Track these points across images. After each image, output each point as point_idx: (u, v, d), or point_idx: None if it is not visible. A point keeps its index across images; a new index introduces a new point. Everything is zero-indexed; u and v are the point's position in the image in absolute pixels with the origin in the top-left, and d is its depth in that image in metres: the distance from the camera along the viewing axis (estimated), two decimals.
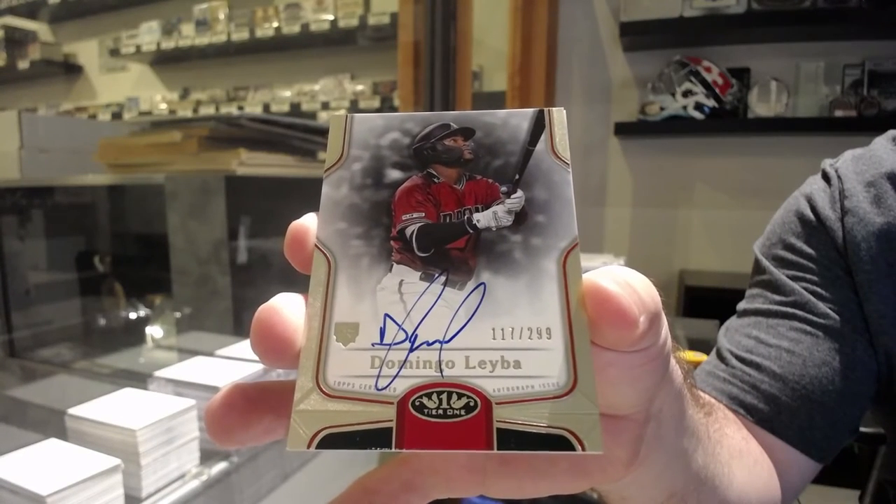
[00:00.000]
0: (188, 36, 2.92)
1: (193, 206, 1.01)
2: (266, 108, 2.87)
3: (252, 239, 1.02)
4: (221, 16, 2.84)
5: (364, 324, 0.17)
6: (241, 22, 2.80)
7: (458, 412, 0.16)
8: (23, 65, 3.38)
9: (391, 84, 2.62)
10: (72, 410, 0.63)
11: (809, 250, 0.48)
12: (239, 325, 1.00)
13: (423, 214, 0.19)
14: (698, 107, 1.89)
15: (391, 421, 0.16)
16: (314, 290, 0.18)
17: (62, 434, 0.62)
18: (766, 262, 0.51)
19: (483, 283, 0.18)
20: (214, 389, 0.67)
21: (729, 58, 1.93)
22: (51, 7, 3.30)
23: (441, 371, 0.17)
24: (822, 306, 0.46)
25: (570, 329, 0.17)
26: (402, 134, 0.20)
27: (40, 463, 0.55)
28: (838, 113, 1.80)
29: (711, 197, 2.06)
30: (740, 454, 0.39)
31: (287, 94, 2.90)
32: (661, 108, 1.94)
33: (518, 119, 0.21)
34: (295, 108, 2.81)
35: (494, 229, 0.19)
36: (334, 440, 0.16)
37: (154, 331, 1.15)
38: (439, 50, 1.61)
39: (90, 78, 3.55)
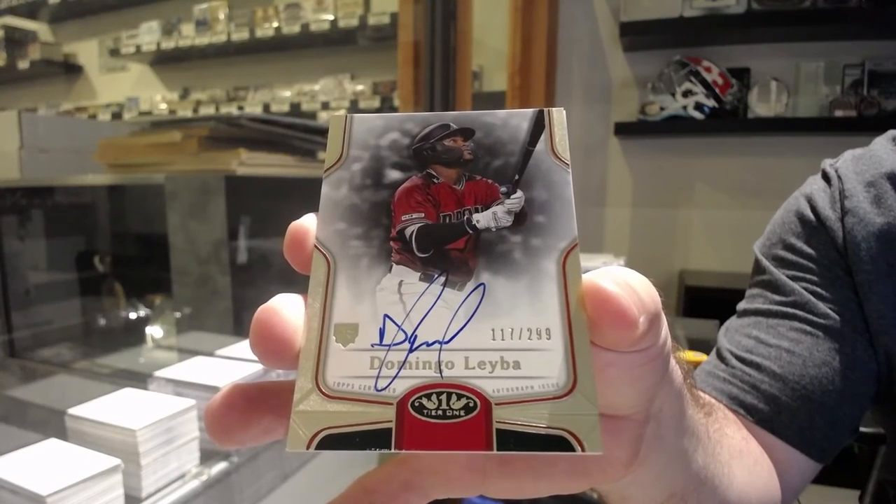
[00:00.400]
0: (188, 36, 2.92)
1: (193, 206, 1.01)
2: (266, 108, 2.87)
3: (252, 239, 1.02)
4: (221, 16, 2.84)
5: (363, 324, 0.17)
6: (241, 22, 2.80)
7: (457, 413, 0.16)
8: (23, 65, 3.38)
9: (391, 84, 2.62)
10: (72, 410, 0.62)
11: (809, 250, 0.48)
12: (239, 325, 1.00)
13: (423, 215, 0.19)
14: (698, 107, 1.89)
15: (390, 422, 0.16)
16: (313, 291, 0.18)
17: (62, 434, 0.62)
18: (766, 262, 0.51)
19: (483, 284, 0.18)
20: (214, 389, 0.67)
21: (729, 58, 1.93)
22: (51, 7, 3.30)
23: (440, 372, 0.17)
24: (822, 306, 0.46)
25: (570, 330, 0.17)
26: (402, 134, 0.20)
27: (40, 463, 0.54)
28: (838, 113, 1.80)
29: (711, 197, 2.06)
30: (740, 454, 0.39)
31: (287, 94, 2.90)
32: (661, 108, 1.94)
33: (518, 119, 0.21)
34: (295, 108, 2.81)
35: (494, 230, 0.19)
36: (333, 441, 0.16)
37: (154, 331, 1.15)
38: (439, 50, 1.61)
39: (90, 78, 3.55)
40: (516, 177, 0.20)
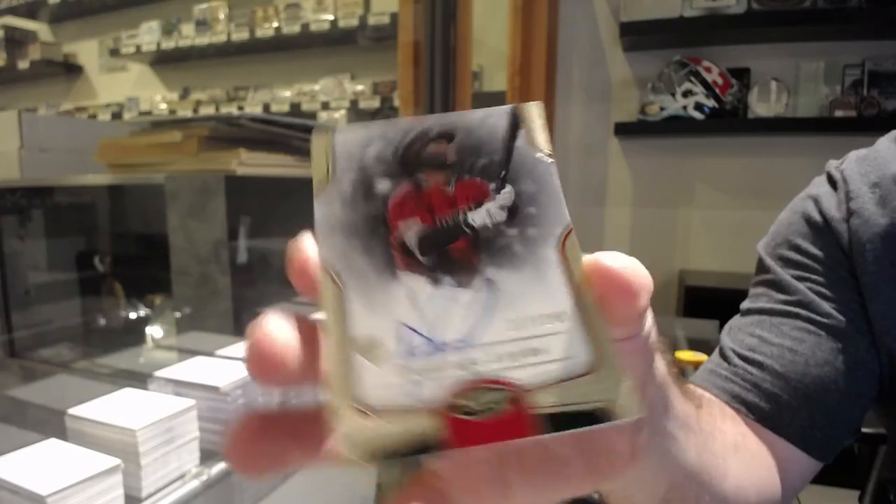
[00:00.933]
0: (188, 36, 2.92)
1: (193, 206, 1.01)
2: (266, 108, 2.87)
3: (252, 239, 1.02)
4: (221, 16, 2.84)
5: (384, 337, 0.18)
6: (241, 22, 2.80)
7: (495, 406, 0.17)
8: (23, 65, 3.39)
9: (391, 84, 2.62)
10: (72, 410, 0.62)
11: (815, 251, 0.48)
12: (239, 325, 1.00)
13: (420, 220, 0.19)
14: (698, 107, 1.89)
15: (435, 427, 0.16)
16: (327, 311, 0.18)
17: (62, 434, 0.62)
18: (770, 262, 0.51)
19: (490, 279, 0.18)
20: (214, 389, 0.67)
21: (729, 58, 1.93)
22: (51, 7, 3.31)
23: (471, 370, 0.17)
24: (826, 306, 0.46)
25: (582, 309, 0.18)
26: (386, 143, 0.20)
27: (40, 463, 0.54)
28: (838, 113, 1.80)
29: (711, 197, 2.06)
30: (736, 449, 0.40)
31: (287, 94, 2.90)
32: (661, 108, 1.94)
33: (495, 117, 0.21)
34: (295, 108, 2.81)
35: (490, 226, 0.19)
36: (384, 454, 0.16)
37: (154, 331, 1.15)
38: (439, 50, 1.61)
39: (90, 78, 3.55)
40: (503, 172, 0.20)
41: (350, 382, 0.17)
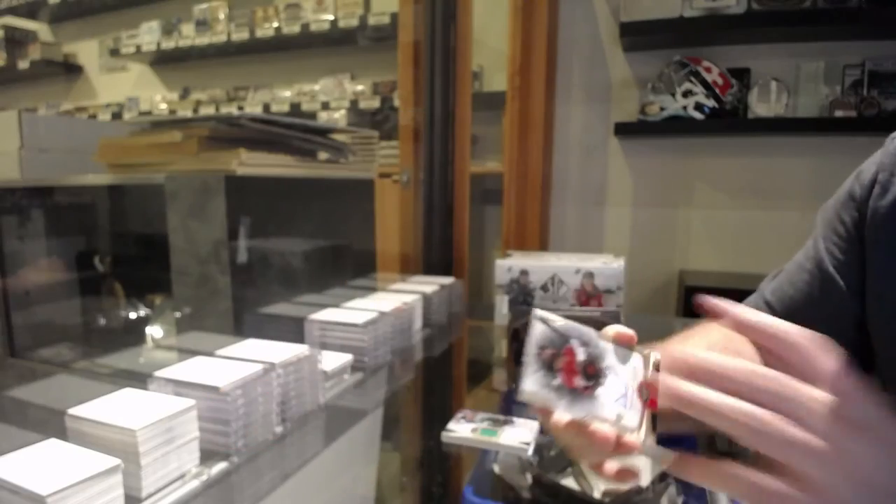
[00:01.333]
0: (188, 36, 2.93)
1: (193, 206, 1.01)
2: (266, 108, 2.87)
3: (252, 239, 1.02)
4: (221, 16, 2.84)
5: (618, 411, 0.40)
6: (241, 22, 2.80)
7: (649, 390, 0.41)
8: (23, 65, 3.39)
9: (391, 84, 2.62)
10: (72, 410, 0.62)
11: (846, 218, 0.57)
12: (239, 325, 1.00)
13: (579, 375, 0.40)
14: (698, 107, 1.89)
15: (652, 415, 0.41)
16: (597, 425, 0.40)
17: (62, 434, 0.62)
18: (818, 221, 0.61)
19: (608, 366, 0.41)
20: (214, 389, 0.67)
21: (729, 58, 1.93)
22: (51, 7, 3.31)
23: (632, 389, 0.41)
24: (830, 267, 0.57)
25: (628, 349, 0.43)
26: (532, 363, 0.40)
27: (40, 463, 0.54)
28: (838, 113, 1.80)
29: (711, 197, 2.06)
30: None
31: (287, 94, 2.90)
32: (661, 108, 1.94)
33: (538, 323, 0.41)
34: (295, 108, 2.81)
35: (591, 354, 0.41)
36: (659, 436, 0.40)
37: (154, 331, 1.15)
38: (439, 50, 1.61)
39: (90, 78, 3.56)
40: (566, 338, 0.41)
41: (627, 430, 0.39)
